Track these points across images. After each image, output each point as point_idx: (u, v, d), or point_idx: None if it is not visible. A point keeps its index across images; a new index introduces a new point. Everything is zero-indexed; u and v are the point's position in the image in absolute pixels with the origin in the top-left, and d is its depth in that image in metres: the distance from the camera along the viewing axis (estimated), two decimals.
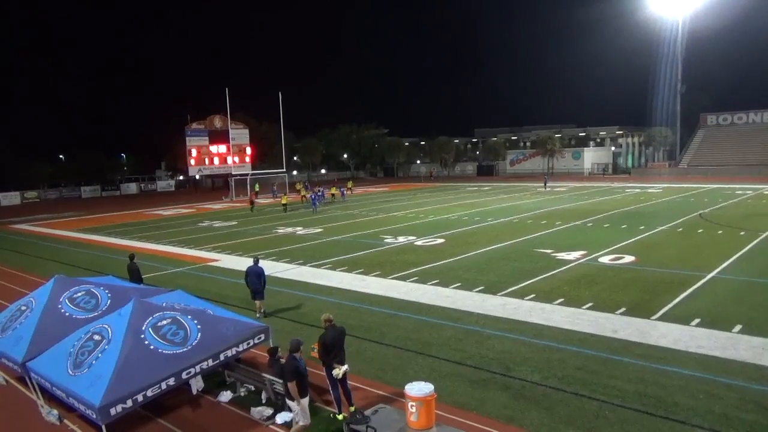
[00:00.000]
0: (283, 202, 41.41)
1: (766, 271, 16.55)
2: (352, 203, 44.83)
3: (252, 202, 43.03)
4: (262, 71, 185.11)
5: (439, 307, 14.15)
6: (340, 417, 8.54)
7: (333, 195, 49.39)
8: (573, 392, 9.18)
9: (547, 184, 54.71)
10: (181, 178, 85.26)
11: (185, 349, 8.50)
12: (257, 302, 13.93)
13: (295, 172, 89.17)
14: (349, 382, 8.78)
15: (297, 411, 7.93)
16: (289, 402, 8.05)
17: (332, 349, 8.54)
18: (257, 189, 56.67)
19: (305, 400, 7.95)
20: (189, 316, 9.16)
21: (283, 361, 9.45)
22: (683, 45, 70.92)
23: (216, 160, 57.27)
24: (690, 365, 9.98)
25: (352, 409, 8.53)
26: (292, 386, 7.83)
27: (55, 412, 9.11)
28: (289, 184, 58.73)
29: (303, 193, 49.31)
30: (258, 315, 13.60)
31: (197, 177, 66.24)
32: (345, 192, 50.79)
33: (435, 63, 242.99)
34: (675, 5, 66.94)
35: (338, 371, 8.44)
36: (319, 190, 44.59)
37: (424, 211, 36.64)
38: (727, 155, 72.00)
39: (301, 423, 7.90)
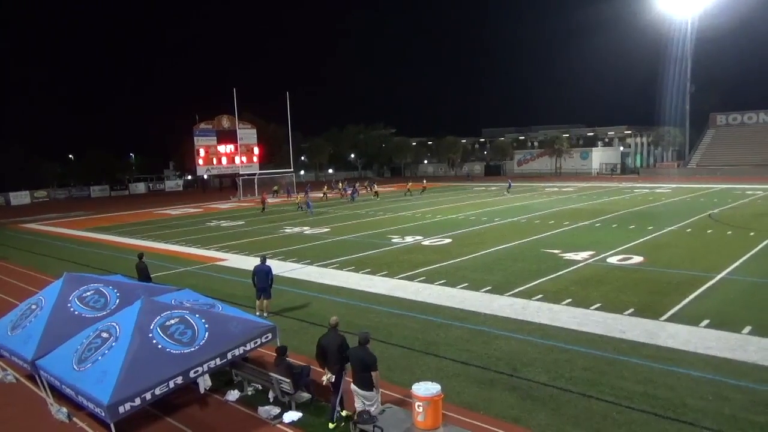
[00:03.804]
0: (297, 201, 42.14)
1: None
2: (359, 203, 44.87)
3: (263, 202, 42.43)
4: (270, 71, 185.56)
5: (446, 307, 14.13)
6: (343, 414, 8.49)
7: (376, 193, 50.33)
8: (580, 393, 9.14)
9: (510, 188, 52.09)
10: (189, 177, 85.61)
11: (193, 349, 8.53)
12: (263, 301, 13.95)
13: (302, 172, 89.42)
14: (343, 386, 8.62)
15: (375, 399, 7.99)
16: (364, 392, 8.01)
17: (325, 353, 8.53)
18: (276, 188, 56.52)
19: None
20: (197, 315, 9.20)
21: (290, 360, 9.51)
22: (692, 44, 70.55)
23: (224, 160, 57.44)
24: (699, 366, 9.91)
25: (332, 425, 8.38)
26: (376, 375, 7.95)
27: (65, 410, 9.18)
28: (296, 184, 58.95)
29: (298, 197, 50.03)
30: (257, 313, 13.54)
31: (205, 177, 66.43)
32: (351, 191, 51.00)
33: (442, 63, 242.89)
34: (684, 4, 66.49)
35: (325, 378, 8.42)
36: (353, 187, 47.76)
37: (432, 211, 36.61)
38: (737, 155, 71.46)
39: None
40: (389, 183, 74.97)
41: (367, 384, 7.98)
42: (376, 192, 50.73)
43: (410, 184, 53.83)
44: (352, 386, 8.18)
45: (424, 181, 57.88)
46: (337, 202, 46.33)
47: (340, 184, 54.60)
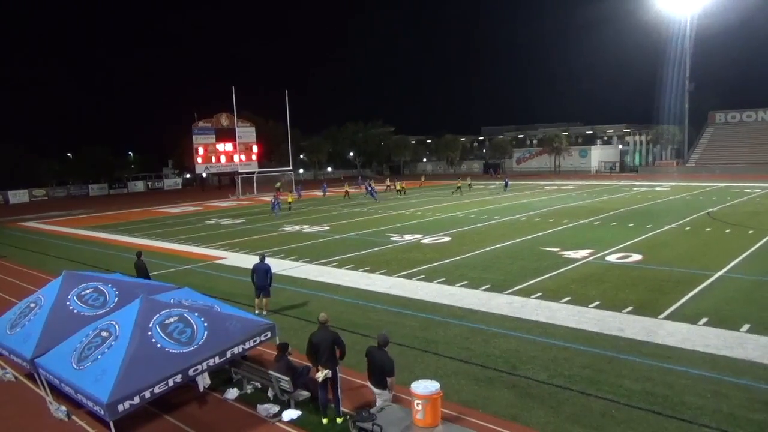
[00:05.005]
0: (289, 200, 41.66)
1: None
2: (360, 201, 44.86)
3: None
4: (269, 69, 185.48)
5: (445, 305, 14.14)
6: (324, 421, 8.48)
7: (400, 190, 49.98)
8: (579, 391, 9.16)
9: (508, 186, 51.51)
10: (188, 176, 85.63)
11: (192, 348, 8.53)
12: (262, 300, 13.96)
13: (301, 170, 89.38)
14: (340, 381, 8.65)
15: (386, 398, 8.06)
16: (378, 390, 8.13)
17: (317, 350, 8.51)
18: (278, 185, 56.29)
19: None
20: (196, 314, 9.20)
21: (291, 358, 9.51)
22: (691, 42, 70.58)
23: (223, 158, 57.42)
24: (697, 364, 9.93)
25: (339, 420, 8.41)
26: (392, 380, 8.03)
27: (64, 408, 9.18)
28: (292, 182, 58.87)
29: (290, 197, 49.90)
30: (257, 311, 13.56)
31: (204, 175, 66.46)
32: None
33: (441, 61, 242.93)
34: (683, 3, 66.47)
35: (320, 374, 8.42)
36: (369, 185, 48.11)
37: (431, 210, 36.61)
38: (736, 153, 71.50)
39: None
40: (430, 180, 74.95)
41: (382, 384, 8.09)
42: (402, 188, 50.20)
43: (460, 180, 52.32)
44: (369, 384, 8.29)
45: (469, 179, 57.73)
46: (357, 199, 46.48)
47: (370, 182, 53.80)
